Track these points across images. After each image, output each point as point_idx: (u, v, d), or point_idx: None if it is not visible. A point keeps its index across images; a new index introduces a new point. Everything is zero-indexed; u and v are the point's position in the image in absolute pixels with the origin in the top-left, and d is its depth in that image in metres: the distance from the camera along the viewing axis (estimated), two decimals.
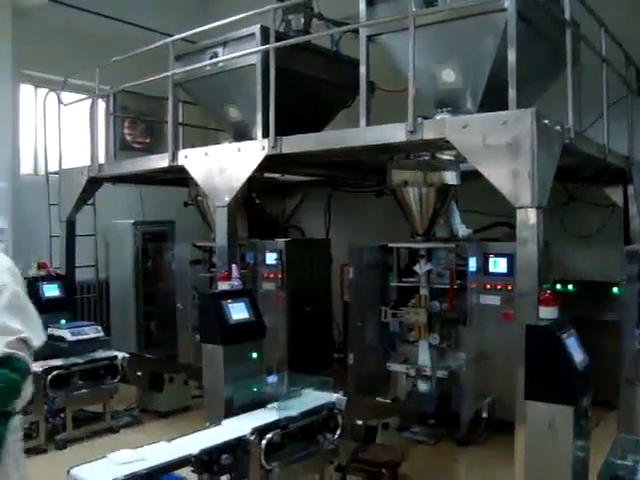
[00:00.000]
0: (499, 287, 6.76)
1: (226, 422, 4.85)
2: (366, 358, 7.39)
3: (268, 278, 8.57)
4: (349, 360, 7.34)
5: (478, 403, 6.72)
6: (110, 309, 10.07)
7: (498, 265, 6.77)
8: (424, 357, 6.98)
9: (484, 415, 6.70)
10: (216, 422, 4.91)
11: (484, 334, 6.79)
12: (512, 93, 4.91)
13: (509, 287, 6.68)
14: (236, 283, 5.59)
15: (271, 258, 8.60)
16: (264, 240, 8.88)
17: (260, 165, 6.21)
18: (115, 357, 7.25)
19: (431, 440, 6.84)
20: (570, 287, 7.88)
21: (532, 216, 4.70)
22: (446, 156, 6.69)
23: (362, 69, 5.85)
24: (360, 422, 5.53)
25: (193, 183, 8.33)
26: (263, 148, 6.11)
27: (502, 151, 4.75)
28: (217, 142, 7.76)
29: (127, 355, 7.33)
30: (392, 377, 7.34)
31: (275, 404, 5.05)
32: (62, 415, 6.90)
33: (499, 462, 6.21)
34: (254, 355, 5.46)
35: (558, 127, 5.05)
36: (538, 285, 4.65)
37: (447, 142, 5.20)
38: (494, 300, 6.78)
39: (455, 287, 6.74)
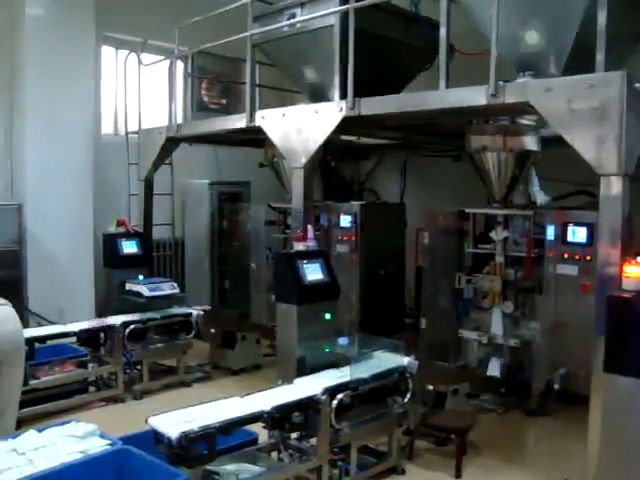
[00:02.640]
0: (577, 257, 6.54)
1: (298, 381, 4.93)
2: (438, 324, 7.34)
3: (342, 240, 8.56)
4: (421, 325, 7.32)
5: (550, 374, 6.59)
6: (185, 267, 10.29)
7: (577, 234, 6.54)
8: (497, 325, 6.88)
9: (556, 386, 6.56)
10: (288, 381, 5.00)
11: (559, 304, 6.61)
12: (600, 56, 4.68)
13: (587, 257, 6.47)
14: (311, 244, 5.62)
15: (345, 221, 8.57)
16: (339, 203, 8.86)
17: (337, 127, 6.17)
18: (190, 314, 7.44)
19: (500, 409, 6.78)
20: None
21: (617, 184, 4.53)
22: (526, 121, 6.50)
23: (442, 30, 5.67)
24: (430, 387, 5.52)
25: (269, 144, 8.42)
26: (341, 110, 6.07)
27: (587, 116, 4.58)
28: (293, 104, 7.75)
29: (202, 312, 7.50)
30: (463, 344, 7.28)
31: (347, 365, 5.10)
32: (139, 367, 7.16)
33: (568, 434, 6.18)
34: (327, 316, 5.50)
35: None
36: (620, 256, 4.48)
37: (530, 106, 5.05)
38: (572, 270, 6.57)
39: (532, 255, 6.58)
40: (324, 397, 4.59)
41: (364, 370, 5.03)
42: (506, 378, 6.80)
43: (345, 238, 8.61)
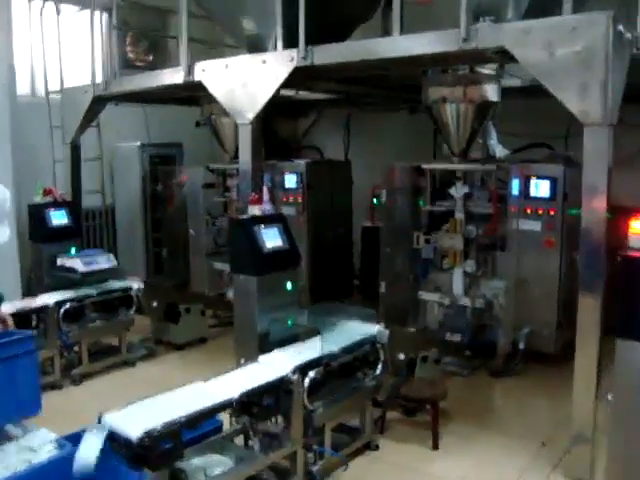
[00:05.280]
0: (540, 212, 6.30)
1: (262, 358, 4.50)
2: (396, 286, 7.01)
3: (287, 202, 8.11)
4: (380, 289, 6.96)
5: (515, 334, 6.39)
6: (117, 236, 9.63)
7: (540, 188, 6.29)
8: (458, 285, 6.61)
9: (521, 346, 6.37)
10: (251, 358, 4.55)
11: (522, 261, 6.38)
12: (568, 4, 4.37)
13: (551, 212, 6.26)
14: (268, 207, 5.12)
15: (291, 181, 8.13)
16: (282, 162, 8.37)
17: (287, 79, 5.65)
18: (130, 288, 6.85)
19: (465, 371, 6.55)
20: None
21: (602, 135, 4.22)
22: (487, 70, 6.14)
23: None
24: (402, 356, 5.17)
25: (206, 101, 7.84)
26: (292, 59, 5.56)
27: (570, 61, 4.25)
28: None
29: (142, 285, 6.92)
30: (422, 306, 6.99)
31: (313, 339, 4.69)
32: (76, 349, 6.55)
33: (537, 394, 6.10)
34: (289, 286, 5.04)
35: (629, 35, 4.50)
36: (608, 212, 4.22)
37: (503, 52, 4.68)
38: (534, 226, 6.33)
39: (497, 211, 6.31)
40: (295, 376, 4.16)
41: (333, 343, 4.62)
42: (470, 340, 6.55)
43: (291, 199, 8.16)
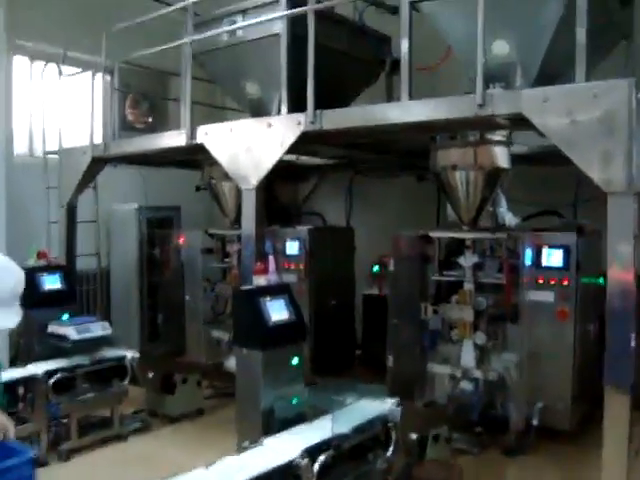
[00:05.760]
0: (553, 282, 6.08)
1: (268, 441, 4.17)
2: (402, 358, 6.71)
3: (289, 269, 7.86)
4: (388, 362, 6.66)
5: (528, 409, 6.08)
6: (111, 301, 9.33)
7: (552, 258, 6.09)
8: (468, 357, 6.31)
9: (534, 422, 6.07)
10: (256, 440, 4.24)
11: (535, 333, 6.13)
12: (581, 69, 4.30)
13: (564, 282, 6.04)
14: (273, 277, 4.89)
15: (292, 247, 7.91)
16: (284, 228, 8.18)
17: (295, 143, 5.50)
18: (124, 357, 6.52)
19: (475, 449, 6.18)
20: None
21: (628, 203, 4.03)
22: (497, 136, 6.02)
23: (404, 41, 5.20)
24: (414, 435, 4.85)
25: (207, 164, 7.70)
26: (299, 123, 5.42)
27: (592, 129, 4.10)
28: None
29: (136, 355, 6.61)
30: (429, 379, 6.68)
31: (322, 418, 4.39)
32: (65, 421, 6.18)
33: (552, 473, 5.76)
34: (295, 361, 4.76)
35: None
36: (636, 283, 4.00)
37: (516, 119, 4.56)
38: (547, 296, 6.10)
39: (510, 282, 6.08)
40: (304, 461, 3.86)
41: (344, 423, 4.32)
42: (481, 415, 6.23)
43: (292, 267, 7.93)
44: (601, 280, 7.02)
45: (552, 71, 5.34)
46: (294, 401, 4.60)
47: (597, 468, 5.36)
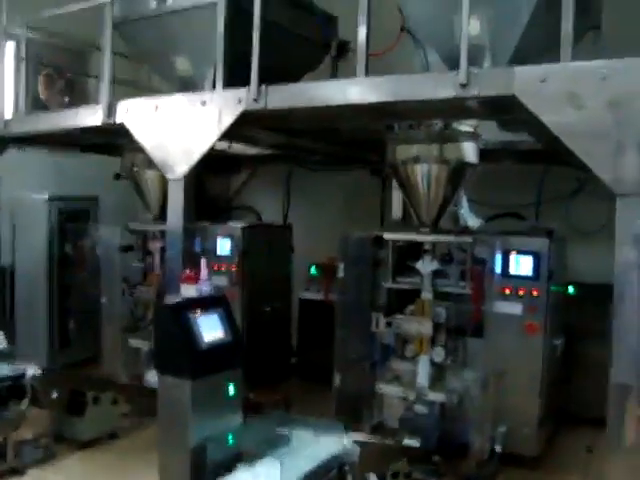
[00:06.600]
0: (521, 293, 5.45)
1: None
2: (349, 375, 5.94)
3: (219, 271, 6.98)
4: (334, 381, 5.87)
5: (490, 433, 5.42)
6: (15, 304, 8.21)
7: (521, 265, 5.45)
8: (424, 376, 5.59)
9: (497, 449, 5.42)
10: None
11: (500, 349, 5.47)
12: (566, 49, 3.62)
13: (534, 292, 5.43)
14: (206, 287, 4.00)
15: (224, 247, 7.06)
16: (214, 224, 7.28)
17: (233, 125, 4.63)
18: (23, 375, 5.49)
19: (432, 479, 5.47)
20: (570, 289, 6.65)
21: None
22: (465, 126, 5.30)
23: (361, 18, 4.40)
24: (373, 478, 4.07)
25: (129, 149, 6.76)
26: (239, 101, 4.55)
27: (600, 114, 3.40)
28: None
29: (39, 371, 5.59)
30: (377, 399, 5.92)
31: (266, 463, 3.56)
32: None
33: None
34: (231, 390, 3.89)
35: None
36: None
37: (492, 104, 3.86)
38: (515, 308, 5.47)
39: (471, 291, 5.38)
40: None
41: (292, 468, 3.50)
42: (438, 443, 5.52)
43: (223, 268, 7.06)
44: (570, 290, 6.51)
45: (525, 58, 4.71)
46: (230, 440, 3.73)
47: None
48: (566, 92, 3.48)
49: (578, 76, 3.48)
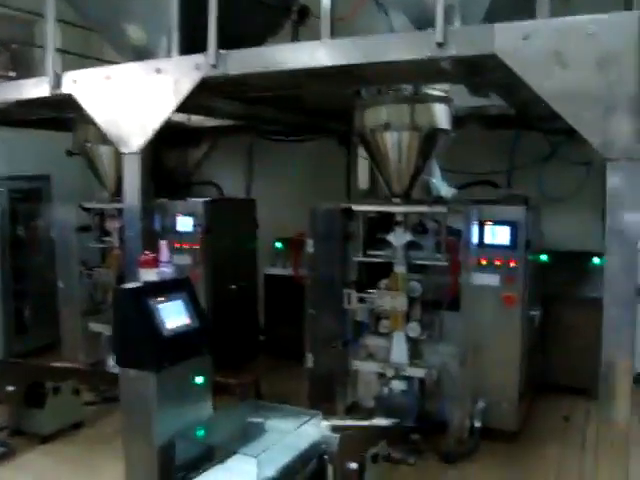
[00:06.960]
0: (498, 263, 5.26)
1: None
2: (321, 355, 5.70)
3: (181, 249, 6.66)
4: (307, 362, 5.62)
5: (469, 409, 5.27)
6: None
7: (497, 235, 5.26)
8: (400, 353, 5.39)
9: (476, 424, 5.28)
10: None
11: (477, 322, 5.28)
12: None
13: (511, 263, 5.24)
14: (167, 270, 3.70)
15: (185, 224, 6.73)
16: (174, 200, 6.94)
17: (191, 94, 4.31)
18: None
19: (411, 458, 5.26)
20: (544, 257, 6.49)
21: (636, 171, 3.15)
22: (436, 91, 5.05)
23: None
24: (353, 465, 3.84)
25: (81, 123, 6.37)
26: (197, 67, 4.22)
27: (588, 74, 3.16)
28: None
29: None
30: (352, 378, 5.72)
31: (237, 456, 3.32)
32: None
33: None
34: (199, 380, 3.62)
35: None
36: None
37: (470, 65, 3.62)
38: (492, 279, 5.28)
39: (447, 263, 5.17)
40: None
41: (268, 462, 3.26)
42: (416, 421, 5.35)
43: (185, 246, 6.73)
44: (544, 257, 6.35)
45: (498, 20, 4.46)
46: (200, 434, 3.47)
47: (545, 470, 5.01)
48: (551, 50, 3.23)
49: (563, 32, 3.23)
